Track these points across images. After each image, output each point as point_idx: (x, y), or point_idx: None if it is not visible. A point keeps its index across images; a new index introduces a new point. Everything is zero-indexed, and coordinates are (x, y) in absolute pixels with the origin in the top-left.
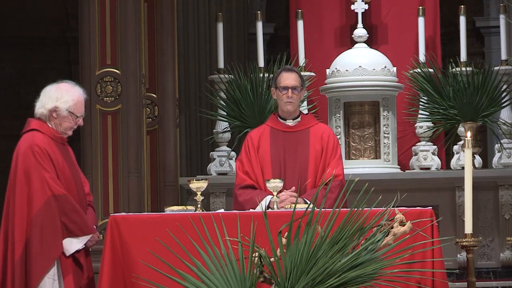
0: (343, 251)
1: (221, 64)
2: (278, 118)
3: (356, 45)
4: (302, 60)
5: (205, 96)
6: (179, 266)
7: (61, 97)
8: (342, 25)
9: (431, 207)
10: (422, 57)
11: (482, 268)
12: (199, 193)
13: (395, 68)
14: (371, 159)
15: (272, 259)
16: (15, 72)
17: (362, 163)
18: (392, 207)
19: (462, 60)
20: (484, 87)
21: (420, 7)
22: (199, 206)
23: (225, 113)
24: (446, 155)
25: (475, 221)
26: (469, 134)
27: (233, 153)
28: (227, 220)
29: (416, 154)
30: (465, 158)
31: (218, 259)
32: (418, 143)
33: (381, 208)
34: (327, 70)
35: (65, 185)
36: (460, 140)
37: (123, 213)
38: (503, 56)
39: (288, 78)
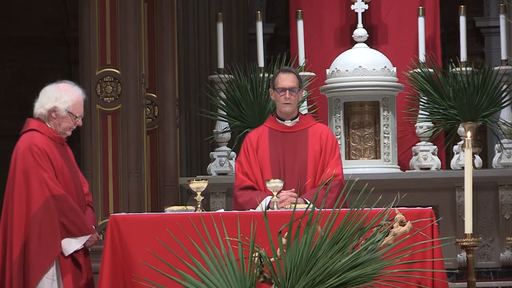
0: (343, 251)
1: (221, 64)
2: (277, 119)
3: (356, 45)
4: (302, 60)
5: (205, 96)
6: (179, 266)
7: (60, 97)
8: (342, 25)
9: (431, 207)
10: (422, 57)
11: (482, 268)
12: (199, 193)
13: (395, 68)
14: (371, 159)
15: (272, 259)
16: (15, 72)
17: (362, 163)
18: (392, 207)
19: (462, 60)
20: (484, 87)
21: (420, 7)
22: (199, 206)
23: (225, 113)
24: (446, 155)
25: (475, 221)
26: (469, 134)
27: (233, 153)
28: (227, 220)
29: (416, 154)
30: (465, 158)
31: (218, 259)
32: (418, 143)
33: (381, 208)
34: (327, 70)
35: (64, 185)
36: (460, 140)
37: (123, 213)
38: (503, 56)
39: (285, 79)
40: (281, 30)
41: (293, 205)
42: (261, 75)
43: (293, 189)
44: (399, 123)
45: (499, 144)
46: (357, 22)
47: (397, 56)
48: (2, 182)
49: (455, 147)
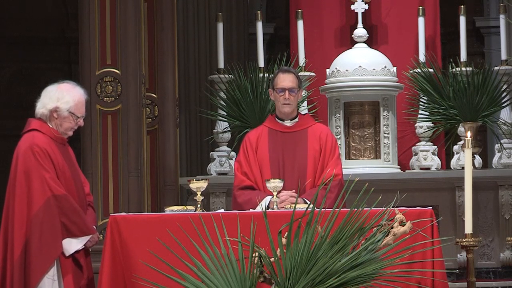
0: (343, 251)
1: (221, 64)
2: (276, 119)
3: (356, 45)
4: (302, 60)
5: (205, 96)
6: (179, 266)
7: (62, 98)
8: (342, 25)
9: (431, 207)
10: (422, 57)
11: (482, 268)
12: (199, 193)
13: (395, 68)
14: (371, 159)
15: (272, 259)
16: (15, 72)
17: (362, 163)
18: (392, 207)
19: (462, 60)
20: (484, 87)
21: (420, 7)
22: (199, 206)
23: (225, 113)
24: (446, 155)
25: (475, 221)
26: (469, 134)
27: (233, 153)
28: (227, 220)
29: (416, 154)
30: (465, 158)
31: (218, 259)
32: (418, 143)
33: (381, 208)
34: (327, 70)
35: (65, 185)
36: (460, 140)
37: (123, 213)
38: (503, 56)
39: (285, 80)
40: (281, 30)
41: (293, 205)
42: (261, 75)
43: (293, 190)
44: (399, 123)
45: (499, 144)
46: (357, 22)
47: (397, 56)
48: (2, 182)
49: (455, 147)
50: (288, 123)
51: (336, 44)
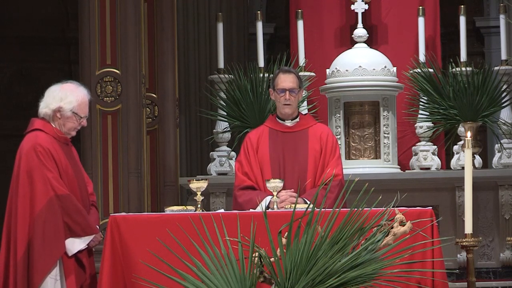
0: (343, 251)
1: (221, 64)
2: (277, 119)
3: (356, 45)
4: (302, 60)
5: (205, 96)
6: (179, 266)
7: (65, 98)
8: (342, 25)
9: (431, 207)
10: (422, 57)
11: (482, 268)
12: (199, 193)
13: (395, 68)
14: (371, 159)
15: (272, 259)
16: (15, 72)
17: (362, 163)
18: (392, 207)
19: (462, 60)
20: (484, 87)
21: (420, 7)
22: (199, 206)
23: (225, 113)
24: (446, 155)
25: (475, 221)
26: (469, 134)
27: (233, 153)
28: (227, 220)
29: (416, 154)
30: (465, 158)
31: (218, 259)
32: (418, 143)
33: (381, 208)
34: (327, 70)
35: (68, 185)
36: (460, 140)
37: (123, 213)
38: (503, 56)
39: (285, 80)
40: (281, 30)
41: (293, 205)
42: (261, 75)
43: (293, 189)
44: (399, 123)
45: (499, 144)
46: (357, 22)
47: (397, 56)
48: (2, 182)
49: (455, 147)
50: (288, 123)
51: (336, 44)
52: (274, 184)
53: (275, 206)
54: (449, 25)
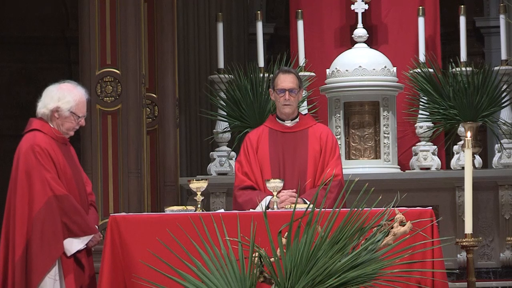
0: (343, 251)
1: (221, 64)
2: (277, 119)
3: (356, 45)
4: (302, 60)
5: (205, 96)
6: (179, 266)
7: (63, 98)
8: (342, 25)
9: (431, 207)
10: (422, 57)
11: (482, 268)
12: (199, 193)
13: (395, 68)
14: (371, 159)
15: (272, 259)
16: (15, 72)
17: (362, 163)
18: (392, 207)
19: (462, 60)
20: (484, 87)
21: (420, 7)
22: (199, 206)
23: (225, 113)
24: (446, 155)
25: (475, 221)
26: (469, 134)
27: (233, 153)
28: (227, 220)
29: (416, 154)
30: (465, 158)
31: (218, 259)
32: (418, 143)
33: (381, 208)
34: (327, 70)
35: (67, 185)
36: (460, 140)
37: (123, 213)
38: (503, 56)
39: (285, 80)
40: (281, 30)
41: (293, 205)
42: (261, 75)
43: (293, 190)
44: (399, 123)
45: (499, 144)
46: (357, 22)
47: (397, 56)
48: (2, 182)
49: (455, 147)
50: (288, 123)
51: (336, 44)
52: (274, 184)
53: (275, 206)
54: (449, 25)
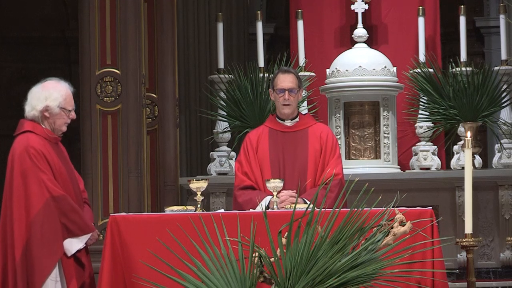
0: (343, 251)
1: (221, 64)
2: (277, 119)
3: (356, 45)
4: (302, 60)
5: (205, 96)
6: (179, 266)
7: (49, 96)
8: (342, 25)
9: (431, 207)
10: (422, 57)
11: (482, 268)
12: (199, 193)
13: (395, 68)
14: (371, 159)
15: (272, 259)
16: (15, 72)
17: (362, 163)
18: (392, 207)
19: (462, 60)
20: (484, 87)
21: (420, 7)
22: (199, 206)
23: (225, 113)
24: (446, 155)
25: (475, 221)
26: (469, 134)
27: (233, 153)
28: (227, 220)
29: (416, 154)
30: (465, 158)
31: (218, 259)
32: (418, 143)
33: (381, 208)
34: (327, 70)
35: (63, 185)
36: (460, 140)
37: (123, 213)
38: (503, 56)
39: (284, 80)
40: (281, 30)
41: (293, 205)
42: (261, 75)
43: (294, 190)
44: (399, 123)
45: (499, 144)
46: (357, 22)
47: (397, 56)
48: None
49: (455, 147)
50: (288, 123)
51: (336, 44)
52: (274, 184)
53: (275, 206)
54: (449, 25)
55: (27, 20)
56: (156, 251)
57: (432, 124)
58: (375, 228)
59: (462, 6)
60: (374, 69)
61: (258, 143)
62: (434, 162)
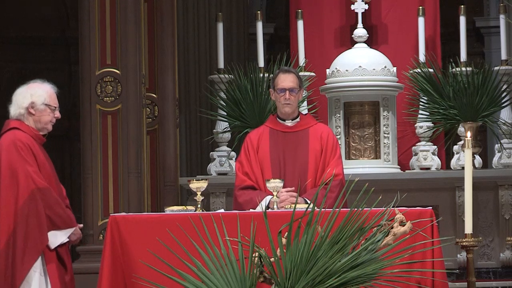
0: (343, 251)
1: (221, 64)
2: (277, 119)
3: (356, 45)
4: (302, 60)
5: (205, 96)
6: (179, 266)
7: (34, 93)
8: (342, 25)
9: (431, 207)
10: (422, 57)
11: (482, 268)
12: (199, 193)
13: (395, 68)
14: (371, 159)
15: (272, 259)
16: (15, 72)
17: (362, 163)
18: (392, 207)
19: (462, 60)
20: (484, 87)
21: (420, 7)
22: (199, 206)
23: (225, 113)
24: (446, 155)
25: (475, 221)
26: (469, 134)
27: (233, 153)
28: (227, 220)
29: (416, 154)
30: (465, 158)
31: (218, 259)
32: (418, 143)
33: (381, 208)
34: (327, 70)
35: (46, 180)
36: (460, 140)
37: (123, 213)
38: (503, 56)
39: (285, 80)
40: (281, 30)
41: (293, 205)
42: (261, 75)
43: (293, 188)
44: (399, 123)
45: (499, 144)
46: (357, 22)
47: (397, 56)
48: None
49: (455, 147)
50: (289, 123)
51: (336, 44)
52: (274, 184)
53: (275, 206)
54: (449, 25)
55: (26, 20)
56: (156, 251)
57: (432, 124)
58: (375, 228)
59: (462, 6)
60: (374, 69)
61: (258, 143)
62: (434, 162)
